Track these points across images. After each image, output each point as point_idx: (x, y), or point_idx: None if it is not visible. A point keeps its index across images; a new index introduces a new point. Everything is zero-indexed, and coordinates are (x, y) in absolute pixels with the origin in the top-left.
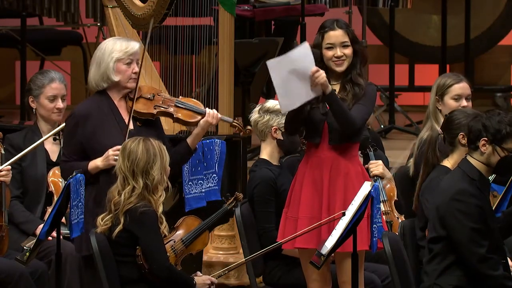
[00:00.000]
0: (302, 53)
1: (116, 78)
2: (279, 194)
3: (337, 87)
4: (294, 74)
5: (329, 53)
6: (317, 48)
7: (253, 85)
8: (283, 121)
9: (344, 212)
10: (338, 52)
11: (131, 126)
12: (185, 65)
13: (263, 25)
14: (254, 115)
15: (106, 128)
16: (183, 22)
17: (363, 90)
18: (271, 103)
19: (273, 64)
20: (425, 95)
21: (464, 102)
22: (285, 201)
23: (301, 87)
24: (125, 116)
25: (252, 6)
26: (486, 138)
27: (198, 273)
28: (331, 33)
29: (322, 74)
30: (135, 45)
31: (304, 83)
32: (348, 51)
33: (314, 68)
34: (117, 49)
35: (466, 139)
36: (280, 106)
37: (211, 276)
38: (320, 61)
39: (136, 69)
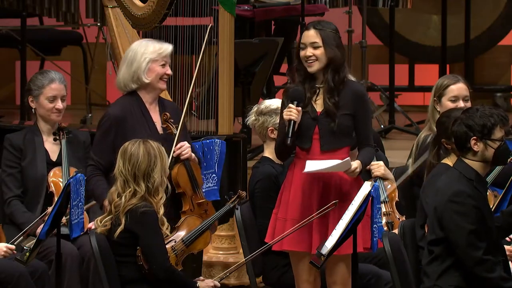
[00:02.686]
0: (341, 165)
1: (147, 79)
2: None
3: (322, 89)
4: (325, 167)
5: (301, 53)
6: (298, 47)
7: (253, 85)
8: (278, 121)
9: (336, 202)
10: (307, 52)
11: (160, 131)
12: (185, 65)
13: (263, 25)
14: (251, 119)
15: (138, 134)
16: (183, 22)
17: (350, 96)
18: (264, 105)
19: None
20: (425, 95)
21: (461, 103)
22: None
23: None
24: (156, 120)
25: (252, 6)
26: (475, 137)
27: (201, 277)
28: (305, 32)
29: (355, 172)
30: (168, 47)
31: (332, 169)
32: (318, 52)
33: (352, 167)
34: (151, 50)
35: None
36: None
37: (214, 280)
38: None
39: (169, 72)
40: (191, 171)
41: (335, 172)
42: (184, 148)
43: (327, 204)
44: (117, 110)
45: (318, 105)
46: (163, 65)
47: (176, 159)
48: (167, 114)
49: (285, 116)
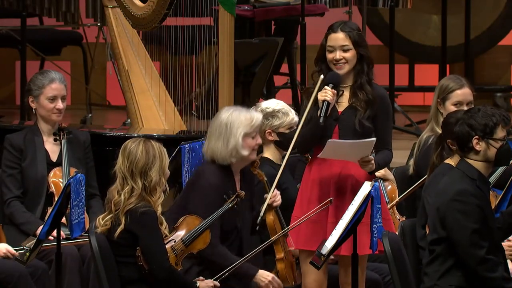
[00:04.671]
0: (366, 144)
1: (245, 152)
2: (280, 192)
3: (347, 91)
4: (347, 148)
5: (329, 56)
6: (321, 49)
7: (253, 85)
8: (275, 123)
9: (331, 199)
10: (337, 55)
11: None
12: (185, 65)
13: (263, 25)
14: None
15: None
16: (183, 22)
17: (375, 97)
18: (260, 108)
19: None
20: (425, 95)
21: (464, 108)
22: (287, 200)
23: (349, 153)
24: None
25: (252, 6)
26: (477, 137)
27: (201, 277)
28: (332, 35)
29: (370, 164)
30: (259, 117)
31: (353, 152)
32: (349, 54)
33: (369, 157)
34: (244, 122)
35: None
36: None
37: (213, 279)
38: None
39: (260, 141)
40: (281, 219)
41: (350, 173)
42: (277, 195)
43: (343, 205)
44: (215, 179)
45: (341, 106)
46: (254, 137)
47: (269, 206)
48: (258, 161)
49: (319, 97)
